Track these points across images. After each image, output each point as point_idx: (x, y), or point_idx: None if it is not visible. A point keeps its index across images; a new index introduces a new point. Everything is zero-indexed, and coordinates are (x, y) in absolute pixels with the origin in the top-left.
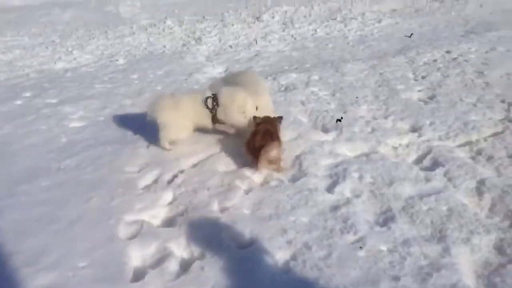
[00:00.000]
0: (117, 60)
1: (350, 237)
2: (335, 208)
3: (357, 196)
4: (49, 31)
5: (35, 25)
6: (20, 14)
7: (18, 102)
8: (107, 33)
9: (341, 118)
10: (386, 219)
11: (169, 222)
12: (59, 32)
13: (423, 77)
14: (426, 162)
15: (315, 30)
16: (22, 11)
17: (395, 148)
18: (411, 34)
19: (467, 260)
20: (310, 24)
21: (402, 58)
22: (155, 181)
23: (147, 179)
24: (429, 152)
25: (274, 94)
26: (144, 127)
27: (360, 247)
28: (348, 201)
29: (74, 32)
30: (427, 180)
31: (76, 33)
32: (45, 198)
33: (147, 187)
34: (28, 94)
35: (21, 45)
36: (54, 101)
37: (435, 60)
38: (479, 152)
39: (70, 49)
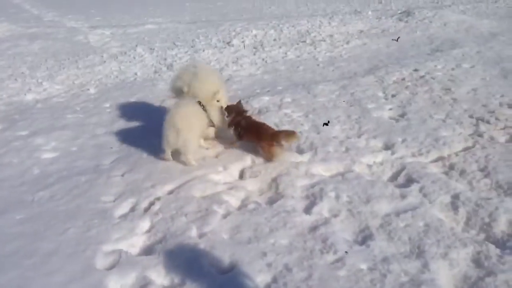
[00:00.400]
0: (88, 89)
1: (330, 257)
2: (313, 228)
3: (335, 216)
4: (18, 62)
5: (3, 58)
6: None
7: None
8: (78, 63)
9: (328, 122)
10: (364, 238)
11: (148, 251)
12: (28, 64)
13: (392, 96)
14: (401, 179)
15: (286, 53)
16: None
17: (369, 166)
18: (398, 37)
19: (446, 275)
20: (280, 47)
21: (371, 78)
22: (132, 209)
23: (123, 208)
24: (403, 169)
25: None
26: (118, 155)
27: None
28: (326, 221)
29: (43, 63)
30: (403, 196)
31: (46, 64)
32: (20, 231)
33: (124, 216)
34: None
35: None
36: (25, 133)
37: (403, 79)
38: (451, 167)
39: (40, 80)
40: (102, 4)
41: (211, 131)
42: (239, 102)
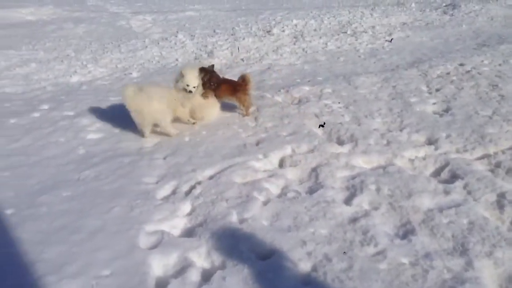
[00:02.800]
0: (131, 73)
1: (371, 250)
2: (353, 220)
3: (376, 209)
4: (63, 45)
5: (49, 39)
6: (33, 29)
7: (36, 114)
8: (120, 47)
9: (324, 123)
10: (406, 232)
11: (189, 233)
12: (73, 46)
13: (437, 90)
14: (444, 174)
15: (326, 44)
16: (35, 26)
17: (411, 161)
18: (391, 39)
19: (490, 274)
20: (320, 37)
21: (414, 71)
22: (173, 192)
23: (165, 190)
24: (446, 164)
25: (288, 106)
26: (160, 138)
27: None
28: (366, 213)
29: (88, 46)
30: (446, 193)
31: (90, 47)
32: (66, 208)
33: (166, 198)
34: (45, 107)
35: (36, 59)
36: (71, 113)
37: (448, 73)
38: (497, 165)
39: (84, 62)
40: None
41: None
42: (212, 65)
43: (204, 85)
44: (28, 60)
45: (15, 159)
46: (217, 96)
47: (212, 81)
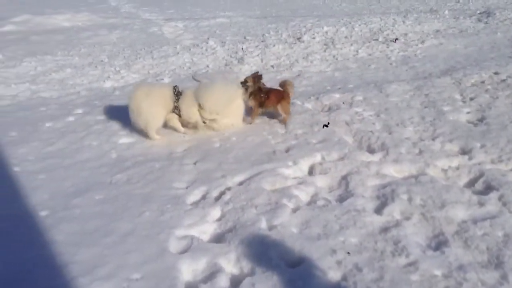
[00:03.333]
0: (163, 79)
1: (402, 260)
2: (384, 229)
3: (407, 219)
4: (97, 51)
5: (84, 45)
6: (68, 35)
7: (71, 118)
8: (152, 53)
9: (328, 123)
10: (439, 243)
11: (218, 238)
12: (107, 52)
13: (471, 99)
14: (479, 185)
15: (357, 51)
16: (71, 32)
17: (444, 171)
18: (396, 39)
19: None
20: (351, 44)
21: (448, 79)
22: (203, 197)
23: (195, 195)
24: (481, 175)
25: (318, 114)
26: (190, 144)
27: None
28: (398, 223)
29: (121, 52)
30: (481, 204)
31: (123, 53)
32: (99, 211)
33: (195, 203)
34: (79, 111)
35: (71, 64)
36: (104, 118)
37: (482, 82)
38: None
39: (117, 68)
40: None
41: (173, 118)
42: (257, 73)
43: (255, 95)
44: (64, 66)
45: (51, 161)
46: (264, 106)
47: (262, 92)
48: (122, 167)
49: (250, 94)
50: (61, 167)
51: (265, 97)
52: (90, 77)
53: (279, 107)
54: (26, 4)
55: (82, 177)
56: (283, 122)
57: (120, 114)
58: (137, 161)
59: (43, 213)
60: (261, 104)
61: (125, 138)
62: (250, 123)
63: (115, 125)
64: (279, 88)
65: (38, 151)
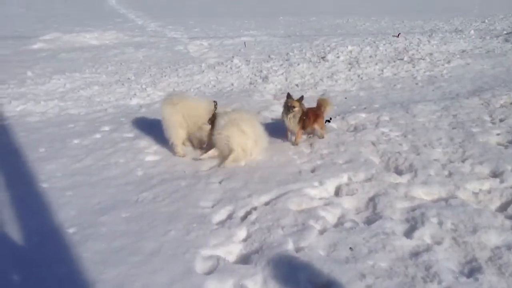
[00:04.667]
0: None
1: (434, 287)
2: (415, 254)
3: (438, 243)
4: (124, 69)
5: (111, 63)
6: (96, 53)
7: (98, 135)
8: (178, 71)
9: (330, 118)
10: (472, 270)
11: (245, 259)
12: (133, 70)
13: (501, 120)
14: (511, 210)
15: (382, 70)
16: (98, 50)
17: (475, 194)
18: (399, 34)
19: None
20: (376, 64)
21: (476, 100)
22: (229, 217)
23: (221, 215)
24: None
25: (343, 133)
26: (215, 162)
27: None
28: (428, 248)
29: (147, 70)
30: None
31: (149, 71)
32: (125, 229)
33: (221, 223)
34: (106, 128)
35: (99, 82)
36: (130, 135)
37: None
38: None
39: (144, 86)
40: (199, 16)
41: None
42: (302, 97)
43: (300, 117)
44: (91, 83)
45: (78, 178)
46: (306, 127)
47: (305, 114)
48: (148, 185)
49: (300, 119)
50: (88, 184)
51: (306, 119)
52: (117, 95)
53: (315, 126)
54: (56, 22)
55: (109, 194)
56: (321, 137)
57: (146, 132)
58: (163, 179)
59: (70, 230)
60: (304, 127)
61: (151, 156)
62: (297, 145)
63: (141, 143)
64: (313, 104)
65: (66, 167)
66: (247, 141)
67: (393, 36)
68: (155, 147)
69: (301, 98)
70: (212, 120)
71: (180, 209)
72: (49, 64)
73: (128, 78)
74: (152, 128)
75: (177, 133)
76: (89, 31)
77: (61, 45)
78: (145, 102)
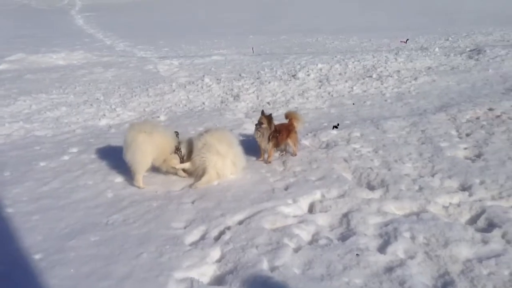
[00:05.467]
0: (159, 117)
1: None
2: (389, 269)
3: (411, 258)
4: (93, 89)
5: (79, 84)
6: (63, 73)
7: (65, 157)
8: (148, 91)
9: (338, 124)
10: (444, 283)
11: (219, 280)
12: (102, 90)
13: (467, 135)
14: (481, 222)
15: (352, 88)
16: (66, 70)
17: (445, 208)
18: (407, 39)
19: None
20: (346, 81)
21: (443, 115)
22: (202, 237)
23: (194, 235)
24: (482, 212)
25: (316, 150)
26: (188, 182)
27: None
28: (402, 263)
29: (116, 90)
30: (485, 242)
31: (119, 91)
32: (95, 253)
33: (195, 244)
34: (74, 150)
35: (66, 103)
36: (99, 156)
37: (478, 118)
38: None
39: (113, 106)
40: (169, 36)
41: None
42: (270, 115)
43: (272, 136)
44: (59, 104)
45: (45, 202)
46: (279, 144)
47: (276, 131)
48: (118, 207)
49: (269, 137)
50: (55, 208)
51: (278, 136)
52: (85, 115)
53: (289, 141)
54: (22, 43)
55: (77, 217)
56: (294, 154)
57: (116, 152)
58: (134, 200)
59: (37, 256)
60: (277, 144)
61: (122, 177)
62: (270, 163)
63: (111, 164)
64: (285, 121)
65: (32, 191)
66: (223, 162)
67: (401, 41)
68: (125, 167)
69: (270, 115)
70: (176, 151)
71: (151, 230)
72: (14, 85)
73: (97, 98)
74: (122, 149)
75: (145, 162)
76: (56, 51)
77: (27, 65)
78: (114, 123)
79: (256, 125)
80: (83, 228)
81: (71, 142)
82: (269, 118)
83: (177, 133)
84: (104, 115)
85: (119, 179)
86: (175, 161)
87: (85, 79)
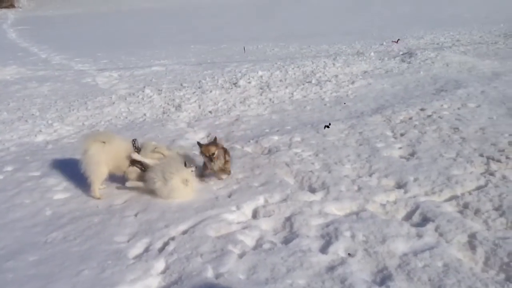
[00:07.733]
0: (98, 130)
1: None
2: (331, 268)
3: (352, 256)
4: (27, 104)
5: (13, 99)
6: None
7: (0, 177)
8: (87, 104)
9: (329, 124)
10: (383, 278)
11: None
12: (37, 105)
13: (401, 135)
14: (416, 218)
15: (292, 93)
16: None
17: (383, 206)
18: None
19: None
20: (286, 87)
21: (379, 117)
22: (146, 250)
23: (137, 248)
24: (417, 208)
25: (258, 157)
26: (131, 194)
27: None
28: (343, 261)
29: (53, 104)
30: (419, 236)
31: (55, 106)
32: (34, 273)
33: (138, 257)
34: (9, 168)
35: None
36: (36, 174)
37: (410, 118)
38: (465, 206)
39: (50, 121)
40: (108, 48)
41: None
42: (215, 138)
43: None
44: None
45: None
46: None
47: (224, 150)
48: (57, 224)
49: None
50: None
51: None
52: (20, 132)
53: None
54: None
55: (14, 237)
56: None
57: (54, 169)
58: (74, 217)
59: None
60: (224, 170)
61: (61, 194)
62: (223, 179)
63: (49, 181)
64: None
65: None
66: (176, 184)
67: (392, 41)
68: (65, 184)
69: (215, 139)
70: (133, 162)
71: (93, 246)
72: None
73: (32, 114)
74: (60, 164)
75: (101, 173)
76: None
77: None
78: (52, 138)
79: (207, 157)
80: (21, 248)
81: (5, 160)
82: (215, 143)
83: (134, 141)
84: (41, 131)
85: (58, 195)
86: (134, 175)
87: (18, 94)
